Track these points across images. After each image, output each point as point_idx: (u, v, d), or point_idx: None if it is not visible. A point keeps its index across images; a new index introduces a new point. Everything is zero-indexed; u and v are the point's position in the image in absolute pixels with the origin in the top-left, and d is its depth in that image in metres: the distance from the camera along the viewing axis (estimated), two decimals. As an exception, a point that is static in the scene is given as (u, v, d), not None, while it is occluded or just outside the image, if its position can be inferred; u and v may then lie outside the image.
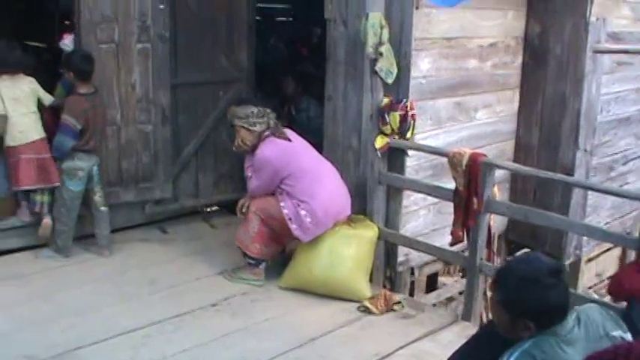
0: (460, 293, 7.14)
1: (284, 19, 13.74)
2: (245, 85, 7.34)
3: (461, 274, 7.38)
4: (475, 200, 5.29)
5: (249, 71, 7.39)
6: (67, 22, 7.68)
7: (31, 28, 10.63)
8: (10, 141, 6.05)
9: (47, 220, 6.17)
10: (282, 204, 5.57)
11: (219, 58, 7.14)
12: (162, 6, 6.52)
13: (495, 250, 6.21)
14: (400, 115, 5.70)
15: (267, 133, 5.69)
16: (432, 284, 6.99)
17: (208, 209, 7.63)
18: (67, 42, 6.45)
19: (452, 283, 7.52)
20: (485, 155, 5.42)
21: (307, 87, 8.64)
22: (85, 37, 6.30)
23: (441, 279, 7.31)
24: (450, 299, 7.24)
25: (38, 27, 10.62)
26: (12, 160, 6.09)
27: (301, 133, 6.06)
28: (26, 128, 6.07)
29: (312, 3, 13.40)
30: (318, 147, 6.09)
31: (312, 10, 12.95)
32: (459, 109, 6.41)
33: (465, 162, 5.29)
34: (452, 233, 5.56)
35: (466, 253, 5.73)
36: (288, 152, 5.66)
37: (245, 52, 7.30)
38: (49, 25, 10.73)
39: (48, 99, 6.30)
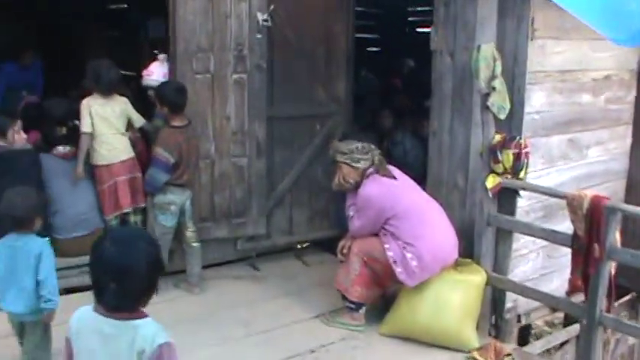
0: (562, 344, 6.70)
1: (374, 49, 13.51)
2: (342, 118, 7.11)
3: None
4: (596, 247, 4.88)
5: (346, 104, 7.15)
6: (156, 52, 7.60)
7: (122, 57, 10.61)
8: (98, 160, 5.98)
9: None
10: (386, 246, 5.25)
11: (316, 91, 6.93)
12: (259, 35, 6.32)
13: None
14: (514, 154, 5.33)
15: (370, 170, 5.40)
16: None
17: (301, 246, 7.36)
18: (155, 77, 6.29)
19: (542, 324, 7.14)
20: (607, 198, 5.00)
21: (401, 119, 8.39)
22: (180, 68, 6.16)
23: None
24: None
25: (128, 55, 10.56)
26: (107, 186, 6.01)
27: (398, 167, 5.76)
28: (115, 147, 6.00)
29: (402, 34, 13.41)
30: (415, 181, 5.74)
31: (403, 40, 12.89)
32: (571, 146, 6.02)
33: (585, 205, 4.88)
34: (570, 282, 5.16)
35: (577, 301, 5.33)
36: (393, 191, 5.34)
37: (343, 85, 7.08)
38: (138, 53, 10.70)
39: (139, 121, 6.21)
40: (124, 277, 2.74)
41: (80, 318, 2.92)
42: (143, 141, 6.40)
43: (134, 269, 2.75)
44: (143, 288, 2.82)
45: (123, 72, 9.29)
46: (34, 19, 11.48)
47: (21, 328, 4.56)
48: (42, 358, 4.55)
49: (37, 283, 4.33)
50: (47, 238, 4.72)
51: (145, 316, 2.85)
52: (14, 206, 4.33)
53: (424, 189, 5.77)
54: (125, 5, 13.01)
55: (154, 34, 11.07)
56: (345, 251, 5.54)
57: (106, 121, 5.93)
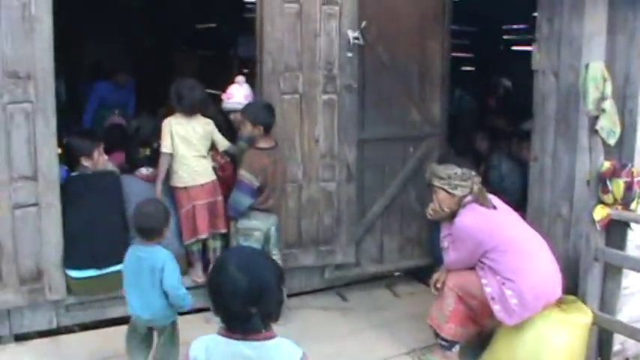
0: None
1: (469, 68, 13.14)
2: (437, 141, 6.77)
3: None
4: None
5: (441, 126, 6.81)
6: (245, 71, 7.42)
7: (212, 75, 10.53)
8: (177, 182, 5.80)
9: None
10: (483, 281, 4.88)
11: (410, 112, 6.61)
12: (350, 54, 6.07)
13: None
14: (625, 183, 4.91)
15: (469, 198, 5.04)
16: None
17: (392, 275, 7.04)
18: (236, 99, 6.07)
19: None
20: None
21: (497, 142, 8.01)
22: (267, 88, 5.96)
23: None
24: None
25: (218, 74, 10.46)
26: (185, 210, 5.83)
27: (494, 193, 5.41)
28: (195, 170, 5.80)
29: (498, 52, 13.02)
30: (512, 207, 5.34)
31: (498, 59, 12.50)
32: (686, 175, 5.55)
33: None
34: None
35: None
36: (493, 222, 4.97)
37: (438, 106, 6.75)
38: (228, 72, 10.59)
39: (224, 144, 6.00)
40: (263, 299, 2.84)
41: (208, 347, 2.96)
42: (232, 165, 6.18)
43: (269, 289, 2.86)
44: (278, 303, 2.93)
45: (213, 91, 9.26)
46: (127, 37, 11.60)
47: (146, 332, 4.77)
48: (171, 355, 4.77)
49: (165, 293, 4.56)
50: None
51: (275, 334, 2.95)
52: (145, 218, 4.57)
53: (522, 217, 5.38)
54: (214, 24, 12.95)
55: (243, 52, 10.99)
56: (438, 285, 5.19)
57: (187, 143, 5.75)
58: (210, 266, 5.36)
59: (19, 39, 5.02)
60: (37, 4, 5.03)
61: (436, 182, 5.13)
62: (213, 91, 9.50)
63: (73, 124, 7.74)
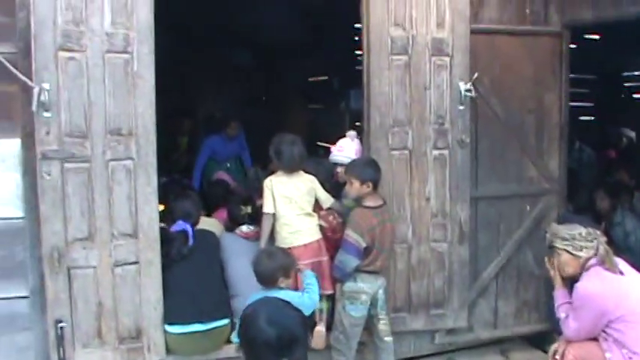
0: None
1: (588, 118, 12.67)
2: (556, 198, 6.40)
3: None
4: None
5: (560, 182, 6.45)
6: (357, 124, 7.26)
7: (324, 129, 10.45)
8: (279, 242, 5.53)
9: (320, 329, 5.59)
10: (608, 355, 4.48)
11: (526, 167, 6.29)
12: (461, 107, 5.80)
13: None
14: None
15: (593, 261, 4.65)
16: None
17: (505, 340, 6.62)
18: (345, 153, 5.91)
19: None
20: None
21: (619, 197, 7.55)
22: (375, 143, 5.75)
23: None
24: None
25: (330, 127, 10.37)
26: None
27: (617, 252, 5.02)
28: (298, 230, 5.53)
29: (618, 101, 12.53)
30: (637, 268, 4.90)
31: (619, 108, 12.02)
32: None
33: None
34: None
35: None
36: (619, 289, 4.55)
37: (556, 160, 6.40)
38: (339, 126, 10.50)
39: (328, 200, 5.73)
40: (294, 349, 3.00)
41: None
42: (343, 226, 5.93)
43: (297, 339, 3.03)
44: (305, 350, 3.08)
45: (324, 144, 9.16)
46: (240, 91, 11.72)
47: None
48: None
49: None
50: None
51: None
52: (258, 264, 4.73)
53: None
54: (326, 77, 12.91)
55: (355, 105, 10.88)
56: (557, 357, 4.78)
57: (289, 201, 5.52)
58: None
59: (122, 96, 5.01)
60: (139, 60, 5.02)
61: (558, 244, 4.78)
62: (325, 145, 9.44)
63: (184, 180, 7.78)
